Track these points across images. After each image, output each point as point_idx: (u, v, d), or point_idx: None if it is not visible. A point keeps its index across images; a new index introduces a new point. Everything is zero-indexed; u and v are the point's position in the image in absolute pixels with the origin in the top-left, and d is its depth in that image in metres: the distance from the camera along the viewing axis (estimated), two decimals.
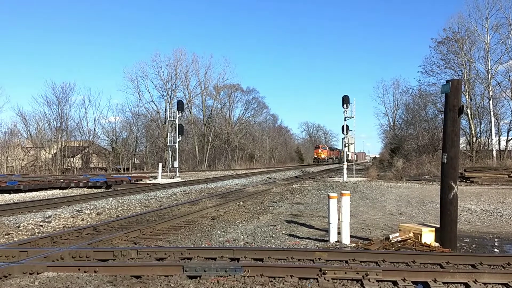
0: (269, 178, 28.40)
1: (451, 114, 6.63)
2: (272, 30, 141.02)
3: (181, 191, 17.44)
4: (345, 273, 4.85)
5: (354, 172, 27.85)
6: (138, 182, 22.94)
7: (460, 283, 4.76)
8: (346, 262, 5.54)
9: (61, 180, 20.08)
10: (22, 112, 42.49)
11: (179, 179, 25.47)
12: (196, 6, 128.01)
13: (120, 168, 43.24)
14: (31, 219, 9.72)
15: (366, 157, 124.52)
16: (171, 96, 49.03)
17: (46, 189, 18.74)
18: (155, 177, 26.39)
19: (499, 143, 33.53)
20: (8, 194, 16.66)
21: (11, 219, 9.87)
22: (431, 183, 21.61)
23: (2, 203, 13.03)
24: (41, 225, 9.13)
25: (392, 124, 60.07)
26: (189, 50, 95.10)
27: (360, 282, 4.74)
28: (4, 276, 4.78)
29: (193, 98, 52.69)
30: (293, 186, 20.67)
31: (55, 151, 41.29)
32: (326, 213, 7.87)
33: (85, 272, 4.95)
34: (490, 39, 32.68)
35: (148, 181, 23.62)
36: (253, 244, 7.12)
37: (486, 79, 32.81)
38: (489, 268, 5.33)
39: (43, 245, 6.63)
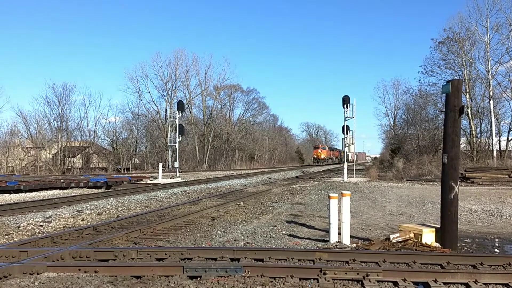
0: (270, 178, 28.38)
1: (452, 114, 6.63)
2: (272, 30, 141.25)
3: (181, 191, 17.44)
4: (346, 273, 4.85)
5: (354, 172, 27.82)
6: (139, 182, 22.96)
7: (461, 283, 4.76)
8: (347, 262, 5.54)
9: (62, 180, 20.09)
10: (22, 112, 42.72)
11: (179, 179, 25.49)
12: (196, 6, 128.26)
13: (120, 168, 43.28)
14: (32, 219, 9.72)
15: (367, 158, 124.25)
16: (171, 96, 49.20)
17: (47, 189, 18.75)
18: (156, 177, 26.40)
19: (499, 143, 33.61)
20: (8, 194, 16.68)
21: (11, 219, 9.87)
22: (431, 183, 21.59)
23: (2, 203, 13.03)
24: (42, 225, 9.14)
25: (392, 124, 60.01)
26: (189, 50, 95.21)
27: (360, 282, 4.74)
28: (4, 276, 4.77)
29: (193, 98, 52.84)
30: (294, 186, 20.66)
31: (55, 151, 41.34)
32: (326, 213, 7.87)
33: (85, 272, 4.95)
34: (491, 40, 32.79)
35: (149, 181, 23.63)
36: (254, 244, 7.12)
37: (486, 79, 32.86)
38: (490, 268, 5.32)
39: (43, 245, 6.63)
